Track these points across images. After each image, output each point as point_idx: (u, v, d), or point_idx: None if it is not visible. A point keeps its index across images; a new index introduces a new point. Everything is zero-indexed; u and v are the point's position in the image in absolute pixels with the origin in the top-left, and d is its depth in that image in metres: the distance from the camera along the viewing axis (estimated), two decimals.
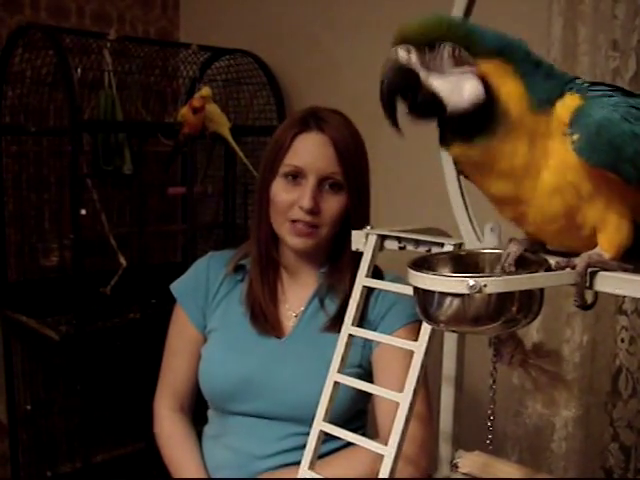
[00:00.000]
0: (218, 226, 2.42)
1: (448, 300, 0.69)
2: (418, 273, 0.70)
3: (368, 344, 1.28)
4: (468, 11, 0.99)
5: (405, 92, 0.71)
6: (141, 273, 2.12)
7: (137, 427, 2.18)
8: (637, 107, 0.69)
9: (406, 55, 0.70)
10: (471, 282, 0.65)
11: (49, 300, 2.12)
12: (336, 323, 1.27)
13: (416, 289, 0.72)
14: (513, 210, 0.75)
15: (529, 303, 0.70)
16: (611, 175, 0.68)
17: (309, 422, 1.24)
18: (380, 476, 0.84)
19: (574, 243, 0.74)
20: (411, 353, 0.88)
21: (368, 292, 1.18)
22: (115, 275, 2.08)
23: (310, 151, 1.28)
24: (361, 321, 1.13)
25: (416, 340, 0.88)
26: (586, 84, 0.72)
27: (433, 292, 0.69)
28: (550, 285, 0.69)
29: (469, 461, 1.09)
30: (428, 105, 0.70)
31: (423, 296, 0.71)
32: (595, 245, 0.72)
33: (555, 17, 1.65)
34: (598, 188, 0.70)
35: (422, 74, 0.70)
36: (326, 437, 0.91)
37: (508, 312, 0.69)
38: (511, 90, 0.68)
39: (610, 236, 0.71)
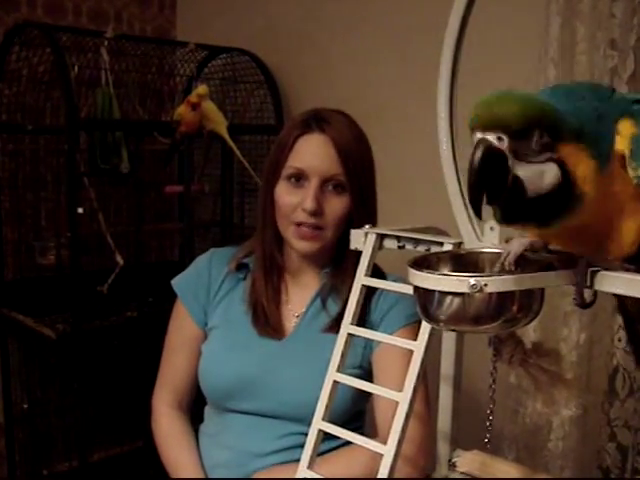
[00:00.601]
0: (215, 225, 2.41)
1: (448, 299, 0.69)
2: (418, 272, 0.70)
3: (369, 345, 1.28)
4: (467, 11, 0.99)
5: (493, 180, 0.65)
6: (138, 271, 2.12)
7: (134, 426, 2.18)
8: None
9: (497, 142, 0.64)
10: (472, 281, 0.65)
11: (46, 299, 2.12)
12: (338, 324, 1.27)
13: (416, 288, 0.72)
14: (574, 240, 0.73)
15: (529, 302, 0.70)
16: None
17: (308, 421, 1.24)
18: (379, 475, 0.84)
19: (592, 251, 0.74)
20: (411, 353, 0.88)
21: (369, 293, 1.18)
22: (112, 274, 2.08)
23: (312, 153, 1.27)
24: (362, 322, 1.14)
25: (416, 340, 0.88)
26: (632, 100, 0.70)
27: (433, 291, 0.69)
28: (551, 285, 0.69)
29: (467, 460, 1.09)
30: (510, 192, 0.65)
31: (423, 295, 0.71)
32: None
33: (553, 16, 1.64)
34: None
35: (510, 161, 0.65)
36: (325, 436, 0.91)
37: (508, 311, 0.69)
38: (585, 170, 0.65)
39: (621, 240, 0.70)
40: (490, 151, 0.64)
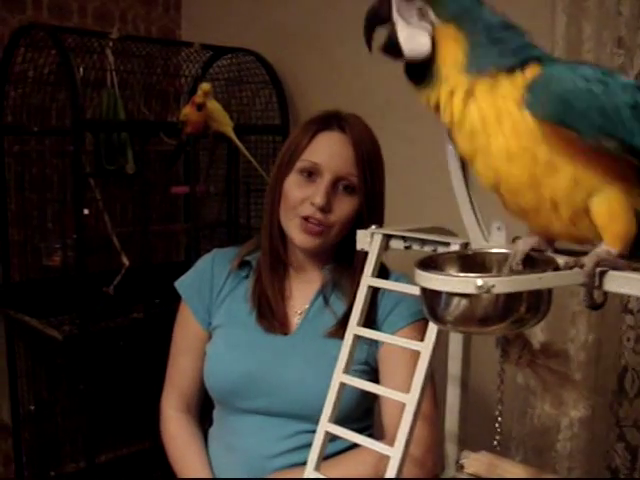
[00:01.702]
0: (221, 225, 2.41)
1: (455, 300, 0.68)
2: (425, 273, 0.69)
3: (375, 341, 1.27)
4: None
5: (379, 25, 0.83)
6: (144, 273, 2.12)
7: (141, 427, 2.18)
8: (604, 73, 0.71)
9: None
10: (479, 282, 0.65)
11: (52, 300, 2.12)
12: (341, 329, 1.27)
13: (423, 289, 0.72)
14: (487, 181, 0.78)
15: (537, 303, 0.70)
16: (565, 131, 0.68)
17: (316, 419, 1.24)
18: (387, 477, 0.83)
19: (560, 228, 0.74)
20: (417, 352, 0.88)
21: (374, 291, 1.18)
22: (118, 275, 2.08)
23: (329, 149, 1.27)
24: (367, 320, 1.13)
25: (421, 338, 0.88)
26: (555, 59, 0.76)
27: (440, 292, 0.69)
28: (559, 285, 0.68)
29: (475, 461, 1.09)
30: (392, 45, 0.81)
31: (430, 296, 0.71)
32: (593, 238, 0.72)
33: (559, 14, 1.64)
34: (556, 151, 0.70)
35: (394, 15, 0.80)
36: (333, 437, 0.91)
37: (516, 312, 0.68)
38: (449, 53, 0.76)
39: (615, 229, 0.70)
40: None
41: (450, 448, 1.11)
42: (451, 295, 0.68)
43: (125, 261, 2.08)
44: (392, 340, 0.94)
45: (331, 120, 1.29)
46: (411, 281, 0.99)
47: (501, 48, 0.75)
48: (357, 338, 0.93)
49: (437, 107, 0.79)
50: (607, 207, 0.70)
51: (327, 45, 2.28)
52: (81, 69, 2.10)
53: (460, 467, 1.09)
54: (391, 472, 0.83)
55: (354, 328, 0.91)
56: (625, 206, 0.70)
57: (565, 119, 0.68)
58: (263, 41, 2.42)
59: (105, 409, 2.22)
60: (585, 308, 1.61)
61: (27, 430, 2.28)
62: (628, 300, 1.69)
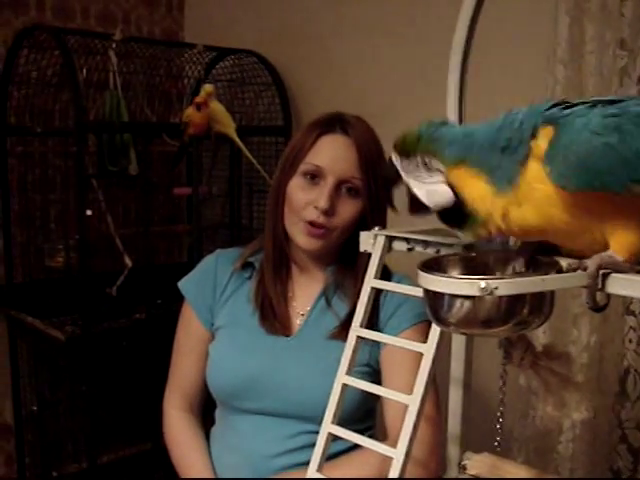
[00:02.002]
0: (224, 226, 2.41)
1: (459, 302, 0.68)
2: (428, 275, 0.70)
3: (377, 343, 1.27)
4: (476, 11, 0.99)
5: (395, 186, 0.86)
6: (147, 273, 2.12)
7: (143, 428, 2.18)
8: (614, 115, 0.69)
9: (395, 159, 0.84)
10: (482, 284, 0.65)
11: (55, 301, 2.12)
12: (344, 330, 1.27)
13: (426, 291, 0.72)
14: (551, 239, 0.78)
15: (540, 305, 0.70)
16: (599, 193, 0.68)
17: (317, 420, 1.23)
18: (389, 478, 0.83)
19: (588, 251, 0.74)
20: (420, 353, 0.88)
21: (376, 293, 1.18)
22: (121, 275, 2.08)
23: (333, 152, 1.27)
24: (369, 322, 1.13)
25: (424, 340, 0.88)
26: (561, 109, 0.73)
27: (443, 294, 0.69)
28: (562, 287, 0.68)
29: (477, 463, 1.09)
30: (417, 205, 0.83)
31: (433, 298, 0.71)
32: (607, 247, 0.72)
33: (562, 16, 1.63)
34: (601, 206, 0.70)
35: (404, 177, 0.83)
36: (335, 437, 0.91)
37: (519, 314, 0.68)
38: (474, 191, 0.76)
39: (622, 240, 0.70)
40: (390, 162, 0.84)
41: (452, 449, 1.12)
42: (454, 297, 0.68)
43: (128, 262, 2.09)
44: (395, 342, 0.94)
45: (334, 123, 1.29)
46: (413, 283, 0.99)
47: (511, 151, 0.74)
48: (360, 340, 0.93)
49: (502, 231, 0.77)
50: (625, 227, 0.70)
51: (330, 46, 2.29)
52: (84, 70, 2.11)
53: (462, 468, 1.09)
54: (394, 473, 0.83)
55: (357, 330, 0.92)
56: (637, 221, 0.70)
57: (592, 184, 0.67)
58: (266, 42, 2.42)
59: (107, 410, 2.22)
60: (587, 310, 1.61)
61: (29, 430, 2.29)
62: (630, 302, 1.69)
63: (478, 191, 0.75)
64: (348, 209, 1.27)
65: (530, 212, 0.72)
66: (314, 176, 1.27)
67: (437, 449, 1.22)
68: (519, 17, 1.78)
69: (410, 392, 0.85)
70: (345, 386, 0.91)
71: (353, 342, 0.93)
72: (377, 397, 1.32)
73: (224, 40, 2.45)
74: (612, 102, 0.71)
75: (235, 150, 2.25)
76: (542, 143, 0.71)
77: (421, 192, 0.80)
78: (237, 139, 2.12)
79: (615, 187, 0.67)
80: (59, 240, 2.20)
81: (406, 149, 0.81)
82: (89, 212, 1.93)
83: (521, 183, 0.72)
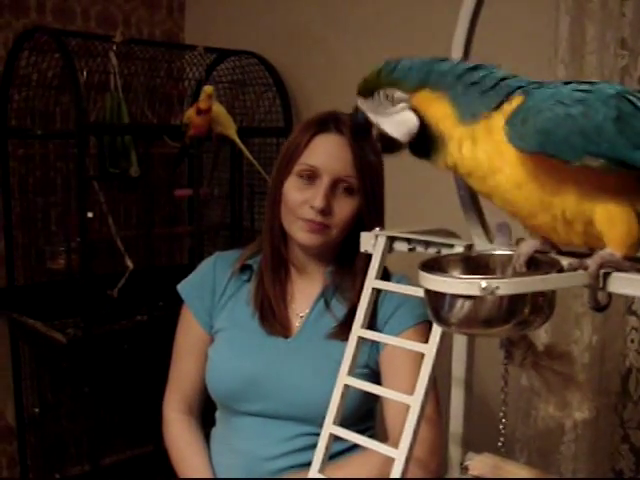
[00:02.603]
0: (225, 228, 2.41)
1: (460, 302, 0.68)
2: (429, 275, 0.69)
3: (375, 345, 1.27)
4: (476, 11, 0.99)
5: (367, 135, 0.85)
6: (148, 275, 2.12)
7: (146, 430, 2.18)
8: (584, 90, 0.70)
9: (361, 104, 0.83)
10: (483, 284, 0.65)
11: (56, 303, 2.12)
12: (342, 330, 1.27)
13: (427, 291, 0.72)
14: (508, 212, 0.79)
15: (541, 305, 0.70)
16: (549, 158, 0.69)
17: (317, 422, 1.23)
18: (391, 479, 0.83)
19: (579, 240, 0.74)
20: (420, 354, 0.88)
21: (376, 293, 1.18)
22: (122, 278, 2.08)
23: (327, 152, 1.27)
24: (369, 323, 1.12)
25: (424, 341, 0.88)
26: (537, 84, 0.75)
27: (444, 294, 0.69)
28: (563, 286, 0.68)
29: (479, 463, 1.08)
30: (388, 143, 0.82)
31: (434, 298, 0.71)
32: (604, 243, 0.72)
33: (562, 15, 1.63)
34: (552, 175, 0.70)
35: (372, 118, 0.82)
36: (336, 438, 0.91)
37: (520, 314, 0.68)
38: (437, 112, 0.77)
39: (615, 234, 0.70)
40: (355, 110, 0.84)
41: (454, 450, 1.11)
42: (455, 297, 0.68)
43: (129, 264, 2.09)
44: (397, 342, 0.94)
45: (328, 122, 1.29)
46: (412, 283, 0.99)
47: (481, 89, 0.75)
48: (361, 340, 0.93)
49: (454, 166, 0.78)
50: (606, 214, 0.70)
51: (331, 47, 2.29)
52: (85, 72, 2.11)
53: (464, 469, 1.09)
54: (395, 474, 0.83)
55: (358, 330, 0.91)
56: (625, 210, 0.70)
57: (546, 148, 0.68)
58: (267, 44, 2.42)
59: (110, 412, 2.22)
60: (589, 310, 1.61)
61: (32, 433, 2.29)
62: (632, 302, 1.69)
63: (442, 111, 0.77)
64: (345, 208, 1.27)
65: (482, 156, 0.74)
66: (310, 176, 1.27)
67: (438, 449, 1.22)
68: (520, 17, 1.78)
69: (410, 393, 0.84)
70: (347, 387, 0.91)
71: (354, 343, 0.93)
72: (376, 398, 1.32)
73: (224, 42, 2.45)
74: (589, 82, 0.73)
75: (236, 152, 2.25)
76: (509, 107, 0.73)
77: (389, 127, 0.80)
78: (238, 140, 2.13)
79: (567, 156, 0.68)
80: (60, 242, 2.20)
81: (368, 87, 0.82)
82: (90, 214, 1.93)
83: (482, 124, 0.74)
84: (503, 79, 0.76)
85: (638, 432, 1.72)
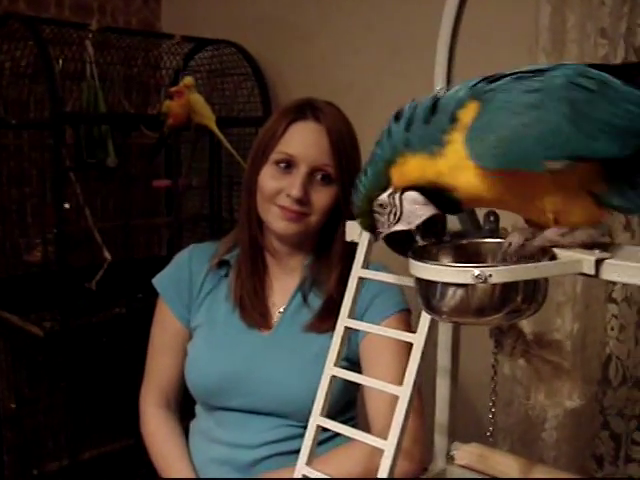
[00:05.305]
0: (203, 219, 2.39)
1: (451, 290, 0.67)
2: (420, 263, 0.68)
3: (354, 337, 1.26)
4: (462, 3, 0.98)
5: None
6: (126, 267, 2.09)
7: (125, 423, 2.15)
8: (536, 90, 0.68)
9: (382, 230, 0.80)
10: (476, 272, 0.64)
11: (33, 296, 2.08)
12: (319, 322, 1.27)
13: (418, 279, 0.71)
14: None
15: (533, 293, 0.69)
16: (522, 172, 0.68)
17: (297, 416, 1.23)
18: (380, 471, 0.82)
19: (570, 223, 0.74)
20: (401, 342, 0.87)
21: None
22: (100, 270, 2.05)
23: (304, 140, 1.26)
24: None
25: (405, 329, 0.87)
26: (487, 82, 0.72)
27: (436, 282, 0.68)
28: (556, 274, 0.67)
29: (466, 453, 1.08)
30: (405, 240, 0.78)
31: (425, 287, 0.70)
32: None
33: (543, 4, 1.64)
34: (528, 182, 0.69)
35: (415, 233, 0.77)
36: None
37: (512, 302, 0.68)
38: (414, 170, 0.74)
39: (569, 217, 0.71)
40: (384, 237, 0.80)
41: (440, 440, 1.11)
42: (447, 285, 0.67)
43: (107, 255, 2.06)
44: (384, 332, 0.93)
45: (305, 109, 1.27)
46: (390, 271, 0.98)
47: (435, 117, 0.73)
48: (348, 330, 0.92)
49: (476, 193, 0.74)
50: (564, 200, 0.70)
51: (310, 37, 2.27)
52: (60, 61, 2.07)
53: (451, 459, 1.09)
54: (385, 465, 0.82)
55: (345, 320, 0.90)
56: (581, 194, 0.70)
57: (507, 165, 0.67)
58: (245, 33, 2.40)
59: (88, 406, 2.19)
60: (570, 298, 1.61)
61: (8, 428, 2.25)
62: (612, 290, 1.70)
63: (415, 164, 0.73)
64: (322, 197, 1.26)
65: (460, 182, 0.72)
66: (286, 165, 1.26)
67: (421, 438, 1.22)
68: (501, 6, 1.78)
69: (392, 381, 0.84)
70: (334, 378, 0.90)
71: (341, 332, 0.91)
72: (357, 389, 1.32)
73: (201, 31, 2.43)
74: (539, 71, 0.70)
75: (215, 142, 2.22)
76: (466, 118, 0.71)
77: (402, 224, 0.77)
78: (217, 130, 2.10)
79: (530, 166, 0.67)
80: (36, 234, 2.16)
81: (365, 213, 0.80)
82: (67, 205, 1.89)
83: (447, 152, 0.72)
84: (435, 100, 0.74)
85: (618, 418, 1.74)
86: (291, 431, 1.25)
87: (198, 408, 1.38)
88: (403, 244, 0.77)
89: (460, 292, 0.67)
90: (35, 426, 2.23)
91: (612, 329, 1.72)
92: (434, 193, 0.74)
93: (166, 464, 1.33)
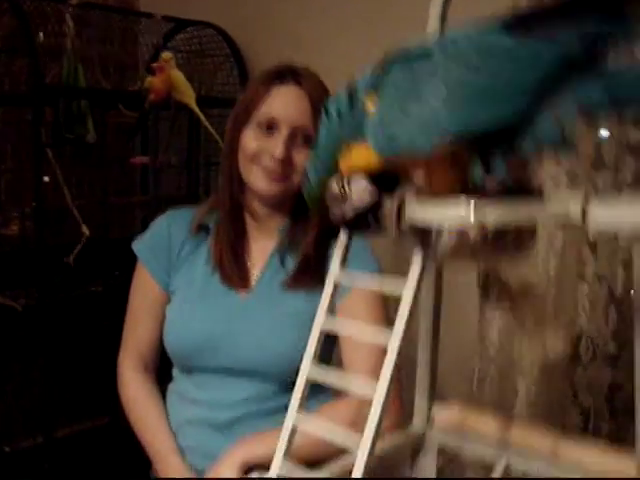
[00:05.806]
0: (181, 198, 2.39)
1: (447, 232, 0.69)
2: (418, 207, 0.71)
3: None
4: None
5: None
6: (102, 245, 2.09)
7: (100, 401, 2.14)
8: (412, 80, 0.68)
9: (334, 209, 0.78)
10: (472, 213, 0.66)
11: (9, 271, 2.06)
12: (296, 279, 1.29)
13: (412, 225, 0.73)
14: None
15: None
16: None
17: (275, 376, 1.26)
18: (369, 421, 0.84)
19: None
20: (374, 296, 0.88)
21: (326, 247, 1.20)
22: (77, 245, 2.04)
23: (286, 102, 1.29)
24: (320, 277, 1.14)
25: (374, 294, 0.87)
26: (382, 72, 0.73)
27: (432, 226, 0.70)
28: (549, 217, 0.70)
29: (445, 414, 1.11)
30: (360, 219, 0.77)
31: (420, 230, 0.72)
32: None
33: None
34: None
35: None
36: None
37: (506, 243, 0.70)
38: (360, 156, 0.74)
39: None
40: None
41: (420, 401, 1.13)
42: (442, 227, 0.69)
43: (85, 230, 2.05)
44: (375, 286, 0.95)
45: (286, 74, 1.32)
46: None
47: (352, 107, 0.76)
48: (337, 286, 0.94)
49: None
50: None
51: (289, 18, 2.28)
52: (41, 35, 2.05)
53: (431, 421, 1.11)
54: (374, 413, 0.84)
55: (336, 274, 0.92)
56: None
57: (402, 154, 0.70)
58: (224, 14, 2.40)
59: (64, 383, 2.18)
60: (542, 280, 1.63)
61: None
62: (584, 268, 1.74)
63: (358, 153, 0.75)
64: (304, 157, 1.29)
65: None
66: (268, 126, 1.29)
67: (399, 397, 1.25)
68: None
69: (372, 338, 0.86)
70: (324, 332, 0.92)
71: (331, 288, 0.93)
72: (332, 350, 1.34)
73: (180, 11, 2.42)
74: (422, 57, 0.69)
75: (194, 121, 2.23)
76: (368, 108, 0.73)
77: (354, 205, 0.76)
78: (197, 109, 2.11)
79: (421, 153, 0.68)
80: (13, 208, 2.14)
81: (316, 200, 0.79)
82: (46, 178, 1.88)
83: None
84: (352, 93, 0.77)
85: (586, 393, 1.78)
86: (270, 389, 1.28)
87: (175, 371, 1.41)
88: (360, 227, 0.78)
89: (456, 233, 0.69)
90: (6, 402, 2.21)
91: (583, 308, 1.76)
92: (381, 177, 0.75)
93: (145, 427, 1.35)
